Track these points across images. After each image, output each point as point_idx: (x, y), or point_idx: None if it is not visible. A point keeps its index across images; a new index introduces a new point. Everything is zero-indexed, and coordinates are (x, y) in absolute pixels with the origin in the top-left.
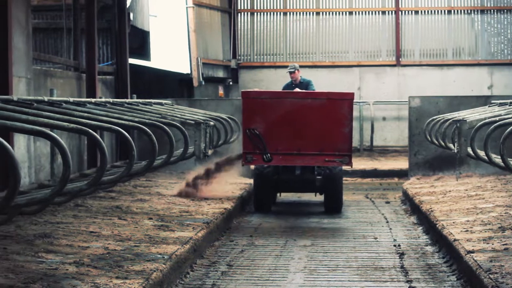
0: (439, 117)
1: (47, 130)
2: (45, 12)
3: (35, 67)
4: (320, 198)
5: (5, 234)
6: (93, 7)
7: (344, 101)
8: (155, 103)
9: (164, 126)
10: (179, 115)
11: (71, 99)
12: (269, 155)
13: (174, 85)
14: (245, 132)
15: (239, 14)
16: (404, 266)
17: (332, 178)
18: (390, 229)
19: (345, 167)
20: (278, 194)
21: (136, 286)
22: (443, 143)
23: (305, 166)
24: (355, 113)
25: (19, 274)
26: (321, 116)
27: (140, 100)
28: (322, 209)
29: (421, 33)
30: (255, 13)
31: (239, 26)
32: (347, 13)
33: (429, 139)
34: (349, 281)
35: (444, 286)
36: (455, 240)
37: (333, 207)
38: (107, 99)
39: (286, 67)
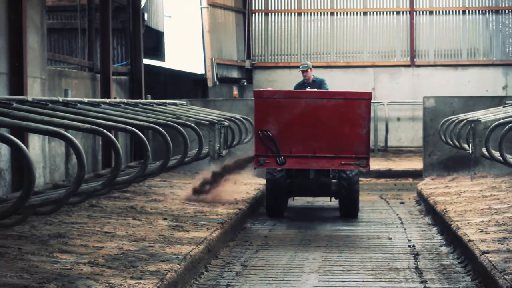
0: (453, 118)
1: (62, 131)
2: (60, 12)
3: (49, 68)
4: (335, 202)
5: (20, 234)
6: (108, 7)
7: (362, 101)
8: (169, 104)
9: (179, 127)
10: (193, 116)
11: (86, 100)
12: (282, 157)
13: (189, 86)
14: (257, 134)
15: (253, 14)
16: (419, 266)
17: (348, 182)
18: (405, 229)
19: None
20: (291, 198)
21: (150, 287)
22: (457, 144)
23: (320, 169)
24: None
25: (34, 274)
26: (337, 116)
27: (155, 101)
28: (337, 213)
29: (435, 34)
30: (270, 14)
31: (253, 27)
32: (362, 13)
33: (444, 139)
34: (363, 281)
35: (459, 287)
36: (469, 240)
37: (349, 212)
38: (122, 100)
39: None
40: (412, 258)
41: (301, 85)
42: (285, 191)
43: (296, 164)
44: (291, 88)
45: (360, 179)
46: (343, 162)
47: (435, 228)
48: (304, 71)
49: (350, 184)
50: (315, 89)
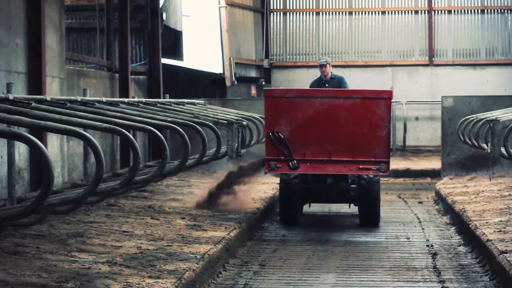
0: (472, 117)
1: (81, 130)
2: (78, 12)
3: (68, 67)
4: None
5: (38, 233)
6: (126, 7)
7: (381, 100)
8: (187, 103)
9: (197, 126)
10: (211, 115)
11: (104, 99)
12: (295, 162)
13: (207, 85)
14: (268, 136)
15: (271, 14)
16: (437, 266)
17: (368, 188)
18: (423, 229)
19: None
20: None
21: (168, 286)
22: (476, 143)
23: (338, 174)
24: None
25: (52, 273)
26: (354, 117)
27: (173, 100)
28: (357, 220)
29: (454, 33)
30: (288, 13)
31: (271, 26)
32: (380, 12)
33: (462, 139)
34: (381, 281)
35: (477, 287)
36: (488, 240)
37: (369, 220)
38: (140, 99)
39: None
40: (430, 257)
41: (318, 82)
42: (300, 197)
43: (310, 169)
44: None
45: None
46: (361, 166)
47: (453, 228)
48: (323, 66)
49: (370, 190)
50: (333, 87)
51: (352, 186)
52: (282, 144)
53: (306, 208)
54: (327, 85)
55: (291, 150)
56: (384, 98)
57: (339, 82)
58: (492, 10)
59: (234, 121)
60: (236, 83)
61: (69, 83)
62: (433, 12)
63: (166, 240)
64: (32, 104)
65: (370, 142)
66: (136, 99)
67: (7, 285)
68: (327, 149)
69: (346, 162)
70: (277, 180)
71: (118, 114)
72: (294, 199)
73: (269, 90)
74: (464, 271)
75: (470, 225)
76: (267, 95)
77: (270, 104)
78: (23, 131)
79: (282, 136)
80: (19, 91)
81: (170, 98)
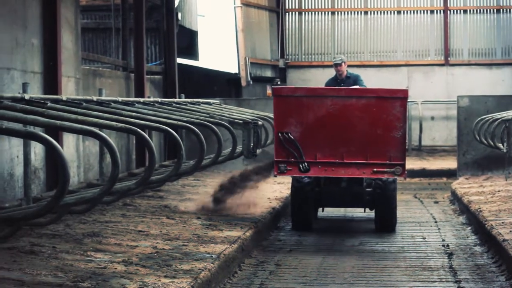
0: (488, 117)
1: (96, 130)
2: (94, 12)
3: (83, 67)
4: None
5: (54, 233)
6: (142, 7)
7: (396, 99)
8: (203, 103)
9: (212, 126)
10: (227, 115)
11: (120, 99)
12: (306, 164)
13: (222, 85)
14: (277, 137)
15: (287, 13)
16: (453, 266)
17: (384, 191)
18: (439, 229)
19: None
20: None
21: (184, 285)
22: (492, 143)
23: (352, 177)
24: None
25: (68, 273)
26: (368, 117)
27: (188, 100)
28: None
29: (469, 32)
30: (303, 13)
31: (287, 26)
32: (395, 12)
33: (478, 138)
34: (397, 281)
35: (493, 287)
36: (504, 240)
37: (385, 225)
38: (156, 99)
39: None
40: (446, 257)
41: (333, 81)
42: (313, 201)
43: (321, 172)
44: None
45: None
46: (375, 169)
47: (469, 228)
48: (338, 65)
49: (386, 194)
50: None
51: (367, 189)
52: (292, 146)
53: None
54: (342, 84)
55: (301, 151)
56: (400, 97)
57: (354, 80)
58: (508, 10)
59: (250, 121)
60: (251, 83)
61: (84, 83)
62: (448, 12)
63: (181, 239)
64: (48, 104)
65: (384, 143)
66: (151, 99)
67: (23, 285)
68: (340, 151)
69: (360, 164)
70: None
71: (134, 114)
72: (306, 203)
73: (278, 88)
74: (480, 271)
75: (486, 225)
76: (276, 94)
77: (279, 104)
78: (39, 131)
79: (292, 137)
80: (35, 91)
81: (185, 98)
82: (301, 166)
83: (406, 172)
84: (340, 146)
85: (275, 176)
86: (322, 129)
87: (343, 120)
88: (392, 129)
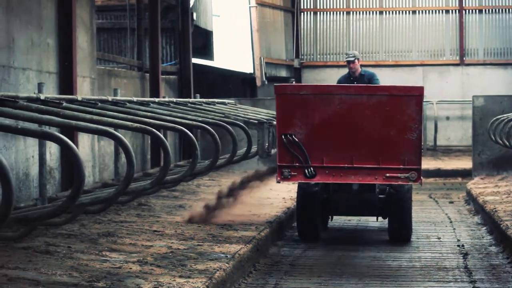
0: (503, 117)
1: (112, 130)
2: (109, 12)
3: (99, 67)
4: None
5: (69, 233)
6: (157, 7)
7: (411, 97)
8: (218, 103)
9: (228, 126)
10: (242, 115)
11: (135, 99)
12: (312, 169)
13: (237, 85)
14: (281, 139)
15: (302, 13)
16: (468, 266)
17: (398, 199)
18: (454, 229)
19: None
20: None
21: (199, 285)
22: (507, 143)
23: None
24: None
25: (83, 273)
26: (380, 117)
27: (203, 100)
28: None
29: (485, 32)
30: (318, 13)
31: (302, 26)
32: (411, 12)
33: (493, 138)
34: (412, 281)
35: (509, 287)
36: None
37: (400, 235)
38: (171, 99)
39: None
40: (461, 257)
41: (346, 79)
42: (320, 209)
43: (328, 177)
44: None
45: None
46: (388, 174)
47: (485, 228)
48: (350, 62)
49: (401, 201)
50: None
51: (380, 196)
52: (297, 149)
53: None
54: (355, 82)
55: (307, 155)
56: (415, 95)
57: (369, 79)
58: None
59: (265, 120)
60: (266, 82)
61: (100, 83)
62: (464, 12)
63: (196, 239)
64: (63, 104)
65: (398, 146)
66: (166, 99)
67: (39, 284)
68: (349, 155)
69: (371, 169)
70: None
71: (149, 114)
72: (313, 212)
73: (281, 86)
74: (495, 271)
75: (501, 225)
76: (278, 92)
77: (283, 103)
78: (54, 130)
79: (297, 140)
80: (50, 91)
81: (200, 98)
82: (306, 171)
83: (422, 178)
84: (350, 149)
85: (278, 182)
86: (330, 131)
87: (353, 121)
88: (406, 130)
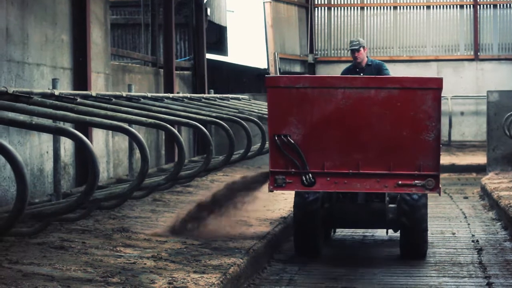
0: None
1: (126, 125)
2: (123, 8)
3: (113, 63)
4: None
5: (83, 228)
6: (171, 2)
7: (428, 91)
8: (232, 98)
9: (242, 121)
10: (256, 110)
11: (149, 94)
12: (310, 176)
13: (251, 80)
14: (273, 141)
15: (316, 8)
16: (483, 261)
17: (412, 209)
18: (468, 224)
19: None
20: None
21: (213, 281)
22: None
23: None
24: None
25: (98, 268)
26: (391, 114)
27: (218, 95)
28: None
29: (499, 27)
30: (332, 8)
31: (316, 21)
32: (425, 7)
33: (508, 133)
34: (426, 276)
35: None
36: None
37: (414, 251)
38: (185, 94)
39: None
40: (476, 253)
41: (350, 71)
42: (321, 221)
43: (330, 186)
44: None
45: None
46: (400, 182)
47: (499, 223)
48: (355, 50)
49: (415, 212)
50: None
51: (391, 206)
52: (293, 152)
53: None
54: (362, 74)
55: (304, 160)
56: (432, 88)
57: (377, 69)
58: None
59: None
60: None
61: (114, 79)
62: (478, 6)
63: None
64: (78, 100)
65: (412, 148)
66: (181, 95)
67: (53, 280)
68: (354, 159)
69: (380, 176)
70: None
71: (163, 109)
72: (313, 225)
73: (273, 78)
74: (509, 266)
75: None
76: (270, 85)
77: (276, 97)
78: (68, 126)
79: (293, 141)
80: (65, 87)
81: (214, 93)
82: (304, 178)
83: (440, 185)
84: (355, 152)
85: (271, 191)
86: (332, 130)
87: (359, 119)
88: (422, 129)
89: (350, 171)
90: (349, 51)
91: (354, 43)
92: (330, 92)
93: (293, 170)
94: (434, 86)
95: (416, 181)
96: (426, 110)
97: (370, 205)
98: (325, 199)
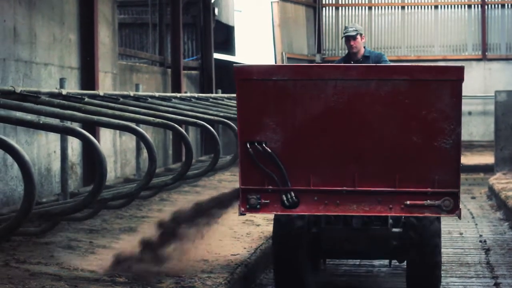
0: None
1: (133, 125)
2: (131, 7)
3: (120, 62)
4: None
5: (91, 228)
6: (179, 2)
7: (445, 83)
8: None
9: None
10: None
11: (157, 94)
12: (292, 194)
13: None
14: (244, 150)
15: (323, 8)
16: (490, 262)
17: (421, 234)
18: (476, 224)
19: None
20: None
21: (221, 281)
22: None
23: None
24: None
25: (105, 268)
26: (397, 114)
27: (225, 95)
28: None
29: (507, 27)
30: (340, 7)
31: (323, 21)
32: (433, 7)
33: None
34: None
35: None
36: None
37: (424, 285)
38: (192, 94)
39: None
40: (483, 253)
41: (346, 62)
42: (307, 251)
43: (318, 207)
44: None
45: None
46: (408, 202)
47: (507, 223)
48: (351, 37)
49: (425, 236)
50: None
51: (394, 230)
52: (270, 164)
53: None
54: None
55: (285, 173)
56: (451, 80)
57: (376, 61)
58: None
59: None
60: None
61: (121, 78)
62: (486, 6)
63: (218, 234)
64: (85, 99)
65: (424, 159)
66: (188, 94)
67: (61, 279)
68: (349, 172)
69: (383, 194)
70: None
71: (171, 109)
72: (297, 256)
73: (242, 68)
74: None
75: None
76: (239, 78)
77: (247, 93)
78: (76, 126)
79: (270, 150)
80: (72, 87)
81: (222, 93)
82: (285, 197)
83: (460, 207)
84: (350, 163)
85: (242, 214)
86: (320, 136)
87: (355, 120)
88: (437, 134)
89: (344, 188)
90: (343, 38)
91: (350, 29)
92: (318, 85)
93: (270, 187)
94: (453, 77)
95: (429, 201)
96: (443, 108)
97: (368, 230)
98: (312, 223)
